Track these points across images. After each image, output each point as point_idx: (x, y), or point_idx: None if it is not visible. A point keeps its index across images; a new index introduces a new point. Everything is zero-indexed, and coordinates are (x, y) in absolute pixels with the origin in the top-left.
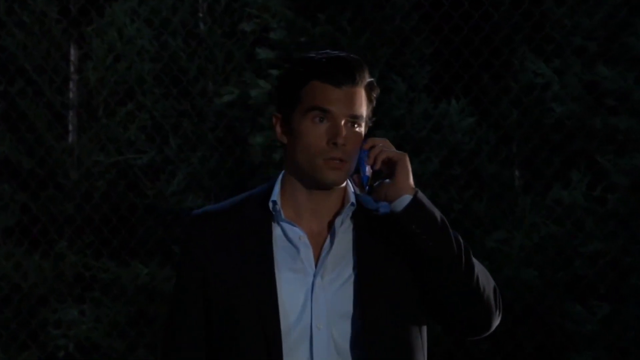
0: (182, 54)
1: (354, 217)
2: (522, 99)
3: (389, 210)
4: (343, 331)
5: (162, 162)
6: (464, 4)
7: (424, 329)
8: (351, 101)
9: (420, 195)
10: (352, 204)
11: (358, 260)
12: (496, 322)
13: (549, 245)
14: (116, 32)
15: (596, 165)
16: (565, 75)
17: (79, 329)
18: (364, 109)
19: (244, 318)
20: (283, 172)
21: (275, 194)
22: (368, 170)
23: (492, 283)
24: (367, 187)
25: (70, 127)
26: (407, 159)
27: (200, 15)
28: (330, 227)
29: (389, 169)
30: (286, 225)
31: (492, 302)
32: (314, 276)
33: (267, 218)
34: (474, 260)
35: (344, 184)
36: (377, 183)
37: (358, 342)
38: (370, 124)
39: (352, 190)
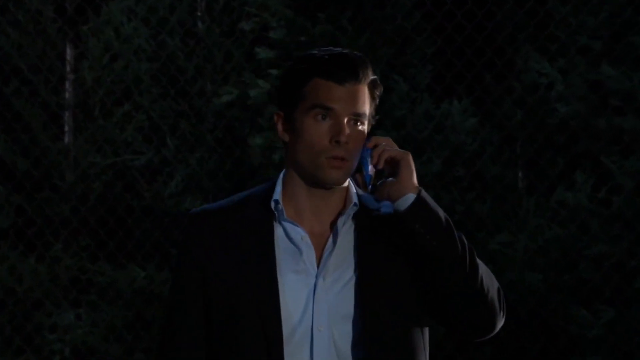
0: (180, 54)
1: (356, 217)
2: (525, 99)
3: (391, 210)
4: (344, 333)
5: (160, 164)
6: (466, 3)
7: (426, 330)
8: (354, 99)
9: (424, 194)
10: (355, 204)
11: (360, 261)
12: (500, 323)
13: (553, 247)
14: (113, 31)
15: (601, 167)
16: (570, 75)
17: (75, 333)
18: (367, 107)
19: (244, 319)
20: (284, 171)
21: (277, 194)
22: (371, 169)
23: (496, 284)
24: (370, 186)
25: (66, 128)
26: (411, 157)
27: (199, 14)
28: (332, 227)
29: (392, 168)
30: (288, 225)
31: (496, 303)
32: (316, 277)
33: (269, 218)
34: (478, 260)
35: (346, 184)
36: (380, 182)
37: (359, 344)
38: (373, 122)
39: (355, 190)
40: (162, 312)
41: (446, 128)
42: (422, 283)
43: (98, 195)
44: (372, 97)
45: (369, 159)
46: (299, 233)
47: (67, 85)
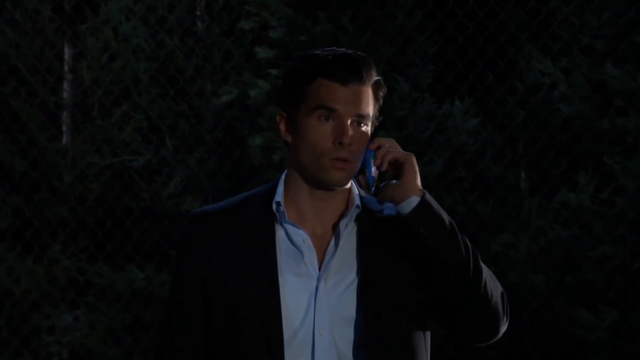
0: (179, 53)
1: (359, 220)
2: (528, 99)
3: (394, 212)
4: (346, 336)
5: (159, 164)
6: (468, 2)
7: (428, 334)
8: (358, 100)
9: (428, 197)
10: (357, 206)
11: (362, 264)
12: (503, 328)
13: (555, 249)
14: (111, 30)
15: (604, 167)
16: (573, 75)
17: (73, 335)
18: (370, 108)
19: (245, 320)
20: (286, 172)
21: (279, 195)
22: (374, 171)
23: (499, 288)
24: (373, 188)
25: (64, 128)
26: (414, 159)
27: (198, 13)
28: (334, 230)
29: (395, 170)
30: (289, 227)
31: (500, 307)
32: (318, 280)
33: (270, 219)
34: (482, 264)
35: (348, 185)
36: (383, 184)
37: (361, 347)
38: (377, 124)
39: (357, 192)
40: (161, 313)
41: (448, 128)
42: (425, 286)
43: (96, 196)
44: (376, 98)
45: (372, 161)
46: (300, 235)
47: (65, 85)
